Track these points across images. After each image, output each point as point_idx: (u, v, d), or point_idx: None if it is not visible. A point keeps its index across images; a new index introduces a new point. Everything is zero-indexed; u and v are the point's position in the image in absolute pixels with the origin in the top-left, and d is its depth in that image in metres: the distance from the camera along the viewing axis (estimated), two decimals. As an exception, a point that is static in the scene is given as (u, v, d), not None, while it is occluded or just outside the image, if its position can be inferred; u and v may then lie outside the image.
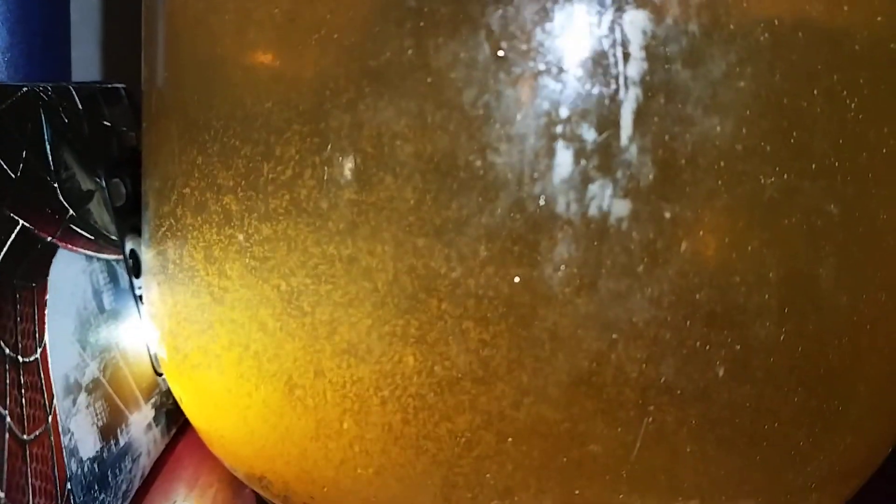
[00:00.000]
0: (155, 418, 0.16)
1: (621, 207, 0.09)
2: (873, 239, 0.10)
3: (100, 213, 0.15)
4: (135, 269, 0.16)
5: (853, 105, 0.10)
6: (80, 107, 0.15)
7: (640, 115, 0.09)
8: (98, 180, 0.15)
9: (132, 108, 0.18)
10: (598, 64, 0.09)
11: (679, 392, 0.10)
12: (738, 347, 0.10)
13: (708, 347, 0.10)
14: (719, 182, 0.09)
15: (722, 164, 0.09)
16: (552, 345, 0.10)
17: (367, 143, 0.09)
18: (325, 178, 0.10)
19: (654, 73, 0.09)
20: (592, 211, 0.09)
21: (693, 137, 0.09)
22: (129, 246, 0.16)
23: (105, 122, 0.16)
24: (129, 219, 0.16)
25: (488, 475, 0.10)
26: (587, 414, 0.10)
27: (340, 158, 0.10)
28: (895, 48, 0.10)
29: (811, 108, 0.09)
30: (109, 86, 0.17)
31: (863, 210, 0.10)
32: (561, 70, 0.09)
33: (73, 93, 0.15)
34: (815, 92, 0.09)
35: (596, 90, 0.09)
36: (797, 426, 0.11)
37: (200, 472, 0.16)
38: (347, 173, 0.10)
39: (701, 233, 0.09)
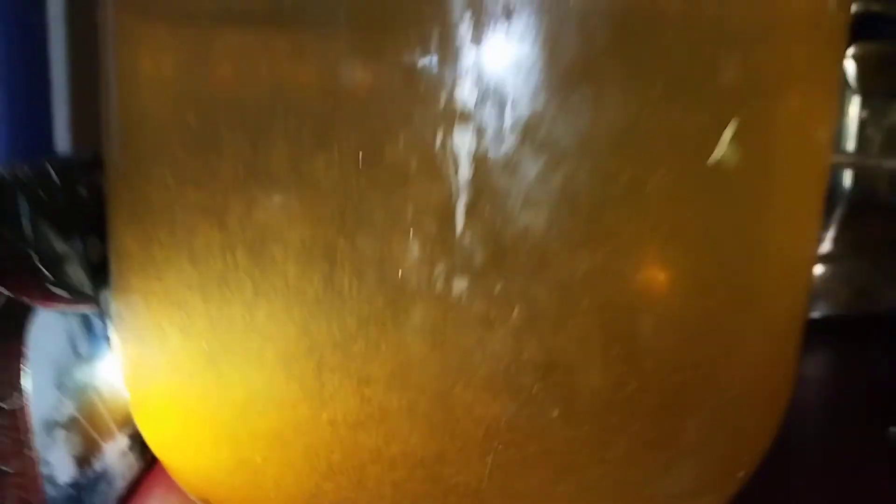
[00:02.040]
0: (130, 446, 0.18)
1: (460, 284, 0.11)
2: (686, 301, 0.13)
3: (76, 272, 0.17)
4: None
5: (652, 195, 0.12)
6: (56, 181, 0.17)
7: (470, 211, 0.11)
8: (74, 243, 0.17)
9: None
10: (437, 172, 0.11)
11: (519, 431, 0.12)
12: (569, 393, 0.12)
13: (543, 394, 0.12)
14: (538, 262, 0.11)
15: (540, 247, 0.11)
16: (416, 393, 0.12)
17: (256, 233, 0.12)
18: (229, 259, 0.12)
19: (480, 178, 0.11)
20: (438, 286, 0.11)
21: (514, 228, 0.11)
22: (103, 296, 0.19)
23: (81, 190, 0.18)
24: (106, 273, 0.19)
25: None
26: (445, 449, 0.12)
27: (239, 243, 0.12)
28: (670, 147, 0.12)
29: (614, 198, 0.11)
30: (84, 155, 0.19)
31: (676, 279, 0.12)
32: (407, 177, 0.11)
33: (50, 168, 0.17)
34: (618, 183, 0.11)
35: (435, 193, 0.11)
36: (635, 455, 0.13)
37: (171, 493, 0.19)
38: (247, 257, 0.12)
39: (528, 302, 0.11)
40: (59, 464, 0.16)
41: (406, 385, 0.12)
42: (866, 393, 0.30)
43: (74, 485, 0.16)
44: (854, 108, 0.37)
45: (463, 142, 0.11)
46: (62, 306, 0.16)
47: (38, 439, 0.15)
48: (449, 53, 0.10)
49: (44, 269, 0.16)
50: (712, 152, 0.12)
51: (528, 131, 0.11)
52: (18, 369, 0.15)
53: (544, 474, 0.12)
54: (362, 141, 0.11)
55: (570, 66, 0.11)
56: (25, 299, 0.15)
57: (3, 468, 0.14)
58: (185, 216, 0.13)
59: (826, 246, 0.38)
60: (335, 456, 0.13)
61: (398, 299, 0.11)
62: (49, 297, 0.16)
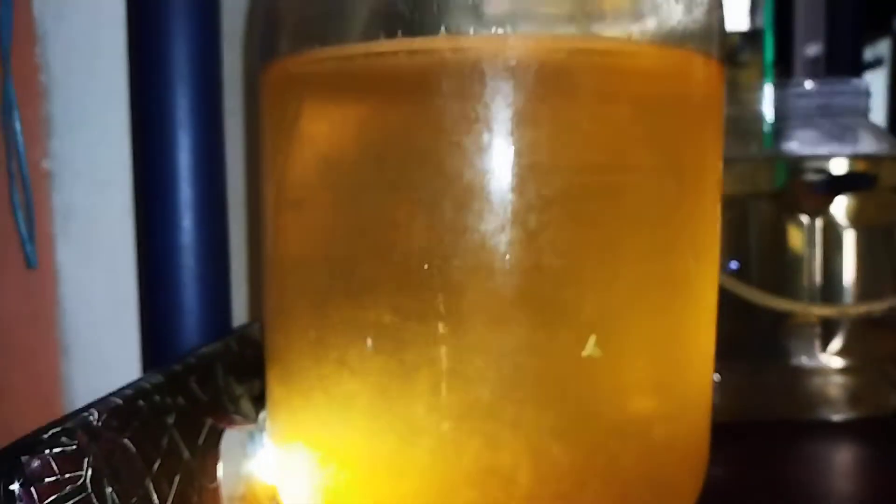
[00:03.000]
0: (276, 513, 0.29)
1: (448, 424, 0.21)
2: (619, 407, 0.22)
3: (246, 404, 0.28)
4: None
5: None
6: (236, 349, 0.29)
7: (449, 385, 0.21)
8: (245, 386, 0.29)
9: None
10: (435, 363, 0.21)
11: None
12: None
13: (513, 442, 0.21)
14: (485, 399, 0.21)
15: (482, 395, 0.21)
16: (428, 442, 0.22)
17: (345, 390, 0.22)
18: (334, 406, 0.23)
19: (452, 363, 0.21)
20: (438, 427, 0.21)
21: (470, 388, 0.21)
22: (262, 416, 0.30)
23: (249, 352, 0.30)
24: (263, 401, 0.30)
25: None
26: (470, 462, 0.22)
27: (336, 399, 0.23)
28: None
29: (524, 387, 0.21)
30: (253, 329, 0.31)
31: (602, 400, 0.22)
32: (417, 372, 0.21)
33: (233, 342, 0.29)
34: (531, 372, 0.21)
35: (433, 374, 0.21)
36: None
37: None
38: (343, 400, 0.23)
39: (484, 431, 0.21)
40: (236, 522, 0.26)
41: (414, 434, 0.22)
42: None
43: (244, 535, 0.27)
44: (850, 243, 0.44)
45: (441, 353, 0.21)
46: (238, 427, 0.27)
47: (226, 506, 0.26)
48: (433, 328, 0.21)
49: (230, 406, 0.27)
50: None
51: (477, 337, 0.21)
52: (215, 466, 0.26)
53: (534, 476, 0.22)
54: (395, 366, 0.22)
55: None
56: (220, 425, 0.26)
57: (210, 522, 0.25)
58: (303, 379, 0.24)
59: (838, 358, 0.45)
60: None
61: (417, 429, 0.22)
62: (232, 422, 0.27)
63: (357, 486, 0.23)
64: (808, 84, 0.46)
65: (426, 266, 0.21)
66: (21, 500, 0.17)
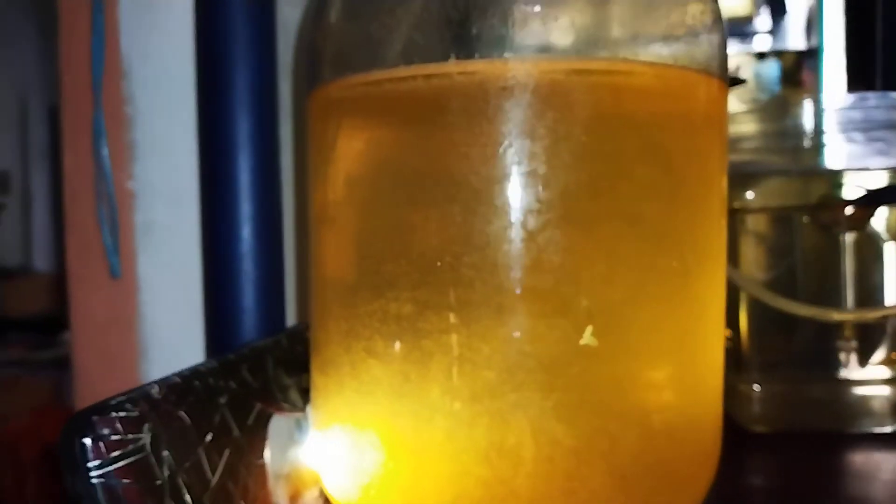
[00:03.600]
0: (319, 494, 0.32)
1: (458, 404, 0.24)
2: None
3: (294, 394, 0.32)
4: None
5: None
6: (285, 344, 0.32)
7: (458, 371, 0.24)
8: (294, 378, 0.32)
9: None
10: (448, 361, 0.24)
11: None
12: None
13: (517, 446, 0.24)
14: (495, 389, 0.24)
15: (493, 386, 0.23)
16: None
17: (371, 376, 0.25)
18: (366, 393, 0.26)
19: (463, 355, 0.24)
20: (449, 405, 0.24)
21: (478, 379, 0.24)
22: (309, 406, 0.33)
23: (300, 348, 0.33)
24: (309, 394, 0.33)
25: None
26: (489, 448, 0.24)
27: (364, 384, 0.25)
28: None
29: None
30: (302, 327, 0.34)
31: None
32: (430, 362, 0.24)
33: (283, 338, 0.32)
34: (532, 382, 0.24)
35: (444, 365, 0.24)
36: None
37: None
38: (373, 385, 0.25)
39: (493, 416, 0.24)
40: (281, 499, 0.29)
41: (431, 413, 0.24)
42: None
43: (290, 511, 0.30)
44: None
45: (453, 341, 0.24)
46: (287, 414, 0.31)
47: (271, 483, 0.29)
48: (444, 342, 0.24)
49: (278, 394, 0.30)
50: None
51: (484, 327, 0.24)
52: (263, 445, 0.29)
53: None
54: (413, 353, 0.24)
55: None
56: (269, 410, 0.29)
57: (254, 499, 0.28)
58: (338, 367, 0.27)
59: (881, 369, 0.45)
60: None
61: (433, 410, 0.24)
62: (280, 409, 0.30)
63: (384, 463, 0.26)
64: (850, 98, 0.47)
65: (439, 263, 0.24)
66: (91, 452, 0.20)
